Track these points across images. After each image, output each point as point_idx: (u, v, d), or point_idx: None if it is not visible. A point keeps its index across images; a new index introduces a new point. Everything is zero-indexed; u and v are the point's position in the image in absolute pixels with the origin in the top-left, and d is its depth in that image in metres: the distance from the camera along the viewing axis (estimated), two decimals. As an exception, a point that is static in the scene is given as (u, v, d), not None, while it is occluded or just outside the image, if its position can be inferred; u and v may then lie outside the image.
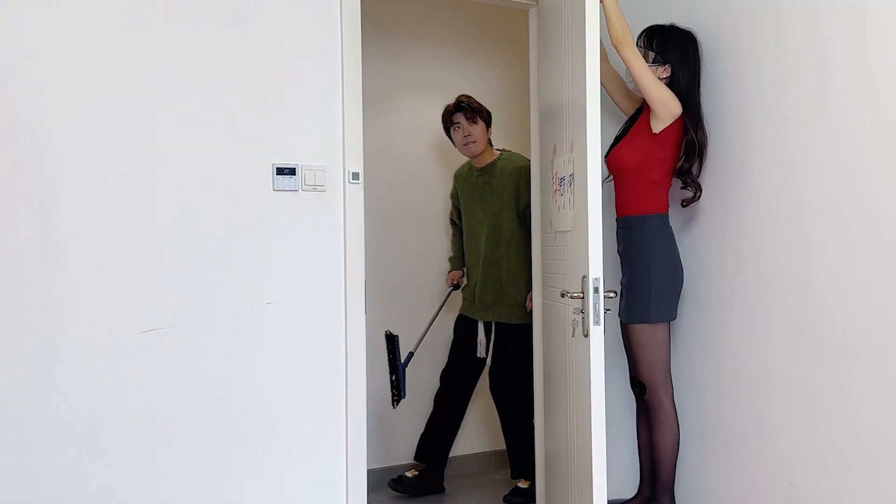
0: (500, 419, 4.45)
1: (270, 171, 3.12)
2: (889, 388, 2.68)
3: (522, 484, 4.33)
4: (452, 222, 4.73)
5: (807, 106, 2.94)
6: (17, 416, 2.69)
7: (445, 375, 4.52)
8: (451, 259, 4.72)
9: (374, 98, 4.77)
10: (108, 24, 2.84)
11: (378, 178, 4.70)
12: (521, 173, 4.27)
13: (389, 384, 4.37)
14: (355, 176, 3.29)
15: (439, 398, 4.52)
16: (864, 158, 2.74)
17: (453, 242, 4.74)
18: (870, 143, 2.72)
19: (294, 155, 3.17)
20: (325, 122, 3.24)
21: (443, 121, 4.44)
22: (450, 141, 4.49)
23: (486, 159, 4.39)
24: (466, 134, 4.30)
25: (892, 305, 2.67)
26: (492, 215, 4.32)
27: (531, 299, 4.22)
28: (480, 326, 4.42)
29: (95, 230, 2.82)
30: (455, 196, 4.63)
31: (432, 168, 4.93)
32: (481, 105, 4.38)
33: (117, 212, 2.85)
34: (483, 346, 4.42)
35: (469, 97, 4.39)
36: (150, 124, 2.91)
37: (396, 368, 4.33)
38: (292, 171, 3.15)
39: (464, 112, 4.30)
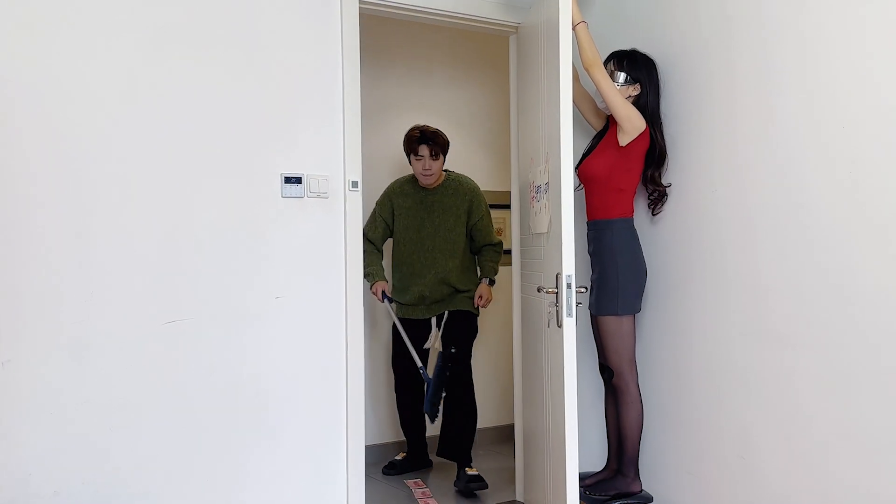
0: (448, 399, 4.25)
1: (279, 180, 3.13)
2: (822, 374, 2.73)
3: (471, 470, 4.14)
4: (366, 238, 4.32)
5: (754, 124, 2.97)
6: (54, 398, 2.70)
7: (407, 382, 4.42)
8: (374, 272, 4.27)
9: (372, 114, 4.78)
10: (134, 49, 2.86)
11: (375, 185, 4.70)
12: (474, 194, 4.27)
13: (437, 400, 4.11)
14: (354, 184, 3.30)
15: (410, 400, 4.44)
16: (804, 170, 2.79)
17: (372, 260, 4.31)
18: (808, 157, 2.77)
19: (300, 165, 3.18)
20: (328, 137, 3.25)
21: (405, 143, 4.25)
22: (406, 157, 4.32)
23: (437, 180, 4.30)
24: (427, 167, 4.17)
25: (826, 301, 2.72)
26: (445, 230, 4.24)
27: (479, 296, 4.26)
28: (433, 321, 4.34)
29: (124, 233, 2.83)
30: (388, 210, 4.33)
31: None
32: (445, 140, 4.23)
33: (144, 217, 2.86)
34: (434, 336, 4.32)
35: (435, 132, 4.20)
36: (172, 138, 2.92)
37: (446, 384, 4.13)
38: (299, 180, 3.16)
39: (429, 147, 4.15)
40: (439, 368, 4.11)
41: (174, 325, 2.92)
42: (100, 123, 2.80)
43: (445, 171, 4.38)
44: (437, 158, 4.18)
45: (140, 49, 2.87)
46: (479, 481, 4.07)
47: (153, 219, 2.89)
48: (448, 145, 4.26)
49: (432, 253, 4.25)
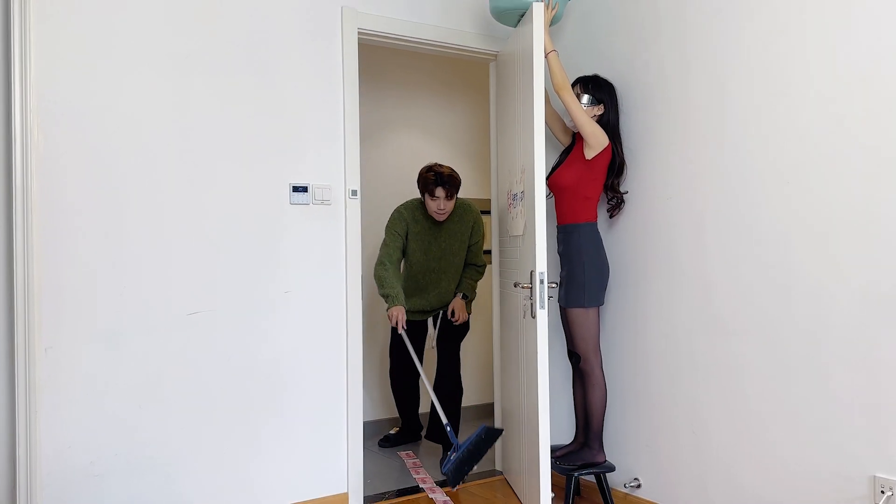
0: (437, 388, 4.18)
1: (288, 189, 3.15)
2: (763, 360, 2.77)
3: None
4: (388, 261, 3.99)
5: (706, 140, 3.00)
6: (90, 380, 2.73)
7: (402, 368, 4.42)
8: (394, 296, 3.87)
9: (371, 132, 4.80)
10: (161, 76, 2.88)
11: (372, 194, 4.73)
12: (476, 219, 4.20)
13: (468, 471, 3.53)
14: (354, 192, 3.32)
15: (405, 384, 4.44)
16: (750, 180, 2.81)
17: (393, 283, 3.91)
18: (754, 168, 2.80)
19: (306, 176, 3.20)
20: (331, 151, 3.27)
21: (421, 183, 4.03)
22: (419, 189, 4.08)
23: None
24: (442, 208, 4.00)
25: (767, 296, 2.75)
26: (451, 253, 4.15)
27: (452, 309, 4.18)
28: (430, 322, 4.32)
29: (152, 235, 2.85)
30: (404, 232, 4.10)
31: (413, 187, 4.93)
32: (459, 180, 4.03)
33: (169, 221, 2.89)
34: (433, 337, 4.29)
35: (450, 175, 3.98)
36: (193, 152, 2.95)
37: (480, 457, 3.56)
38: (305, 189, 3.18)
39: (445, 190, 3.95)
40: (481, 442, 3.54)
41: (196, 316, 2.94)
42: (130, 139, 2.81)
43: None
44: (451, 199, 4.02)
45: (167, 75, 2.89)
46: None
47: (177, 223, 2.91)
48: (460, 183, 4.08)
49: (437, 274, 4.18)
